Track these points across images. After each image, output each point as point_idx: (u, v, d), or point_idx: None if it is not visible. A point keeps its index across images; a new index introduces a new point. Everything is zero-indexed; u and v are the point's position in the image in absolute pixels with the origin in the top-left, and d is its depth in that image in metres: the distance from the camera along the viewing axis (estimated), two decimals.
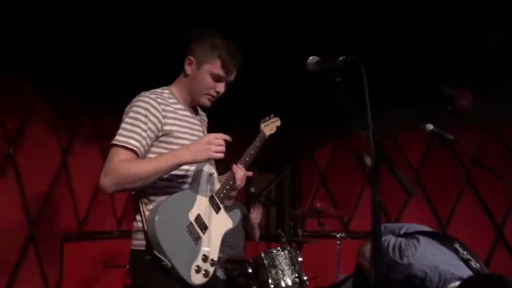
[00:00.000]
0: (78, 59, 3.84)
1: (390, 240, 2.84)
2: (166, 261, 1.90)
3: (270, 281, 3.86)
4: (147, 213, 1.97)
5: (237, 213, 2.31)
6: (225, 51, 2.06)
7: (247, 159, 2.31)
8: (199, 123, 2.21)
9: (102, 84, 4.15)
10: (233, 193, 2.30)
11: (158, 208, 1.93)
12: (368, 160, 1.58)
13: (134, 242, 2.03)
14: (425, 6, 3.55)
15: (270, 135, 2.53)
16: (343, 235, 4.40)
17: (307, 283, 4.08)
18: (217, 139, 1.94)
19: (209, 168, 2.17)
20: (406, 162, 5.07)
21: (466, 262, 2.69)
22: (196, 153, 1.91)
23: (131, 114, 1.96)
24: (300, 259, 4.10)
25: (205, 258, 2.04)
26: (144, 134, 1.94)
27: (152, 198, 2.00)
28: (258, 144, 2.40)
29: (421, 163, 5.06)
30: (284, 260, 3.98)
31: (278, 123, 2.61)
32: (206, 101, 2.14)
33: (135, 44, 3.86)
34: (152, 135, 1.97)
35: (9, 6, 3.09)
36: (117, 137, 1.93)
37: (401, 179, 1.55)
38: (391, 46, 4.10)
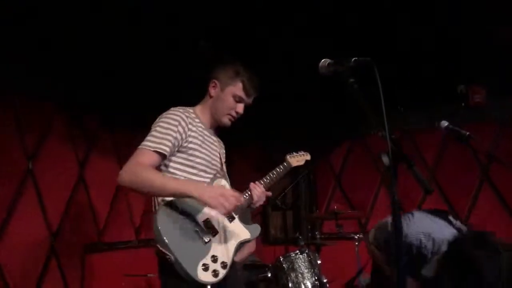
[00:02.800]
0: (95, 72, 3.91)
1: (389, 218, 2.92)
2: (170, 254, 2.00)
3: (290, 284, 3.87)
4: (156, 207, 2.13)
5: (257, 228, 2.38)
6: (247, 77, 2.28)
7: (267, 180, 2.44)
8: (216, 143, 2.37)
9: (119, 97, 4.22)
10: (250, 208, 2.39)
11: (159, 211, 2.08)
12: (385, 159, 1.59)
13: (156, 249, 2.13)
14: (435, 4, 3.55)
15: (297, 166, 2.67)
16: (361, 236, 4.38)
17: (327, 285, 4.07)
18: (232, 197, 2.05)
19: (220, 182, 2.31)
20: (422, 160, 5.04)
21: (458, 230, 2.77)
22: (208, 197, 2.01)
23: (162, 124, 2.12)
24: (319, 261, 4.10)
25: (214, 259, 2.12)
26: (173, 141, 2.11)
27: (166, 200, 2.11)
28: (281, 170, 2.53)
29: (437, 161, 5.03)
30: (303, 263, 3.98)
31: (308, 157, 2.75)
32: (227, 121, 2.31)
33: (153, 59, 3.92)
34: (177, 144, 2.13)
35: (25, 21, 3.16)
36: (147, 143, 2.08)
37: (420, 177, 1.55)
38: (404, 46, 4.10)
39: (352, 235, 4.39)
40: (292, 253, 4.10)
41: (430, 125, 3.39)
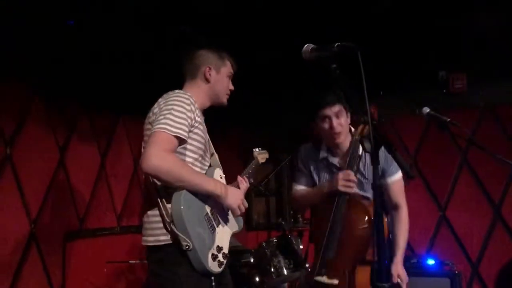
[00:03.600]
0: (73, 58, 3.84)
1: None
2: (188, 241, 1.99)
3: (272, 269, 3.90)
4: (168, 205, 2.08)
5: (241, 220, 2.45)
6: (229, 55, 2.43)
7: (248, 176, 2.53)
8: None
9: (98, 82, 4.15)
10: None
11: (183, 191, 2.06)
12: (367, 145, 1.59)
13: (151, 237, 2.13)
14: None
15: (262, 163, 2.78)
16: None
17: (309, 270, 4.12)
18: (245, 206, 2.29)
19: (219, 172, 2.37)
20: (403, 146, 5.09)
21: None
22: (231, 200, 2.20)
23: (176, 107, 2.10)
24: (301, 246, 4.14)
25: (219, 249, 2.16)
26: (188, 126, 2.12)
27: (170, 191, 2.11)
28: (254, 167, 2.66)
29: (418, 147, 5.08)
30: (285, 249, 4.01)
31: (267, 155, 2.84)
32: (226, 100, 2.44)
33: (133, 45, 3.88)
34: (188, 130, 2.15)
35: (3, 7, 3.08)
36: (167, 126, 2.03)
37: (402, 162, 1.57)
38: (385, 32, 4.11)
39: None
40: (274, 238, 4.13)
41: (411, 111, 3.43)
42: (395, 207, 2.72)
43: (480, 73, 4.72)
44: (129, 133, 4.74)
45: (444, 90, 4.90)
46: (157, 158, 1.97)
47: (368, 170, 2.59)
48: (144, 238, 2.19)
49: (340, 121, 2.55)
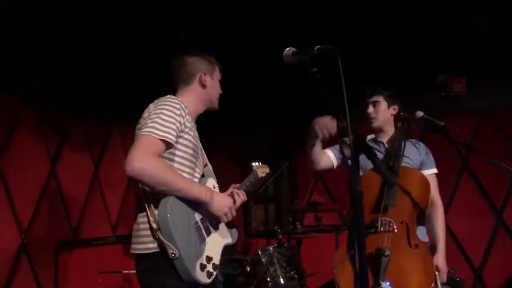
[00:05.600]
0: (65, 66, 3.82)
1: None
2: (174, 249, 1.94)
3: (268, 278, 3.83)
4: (155, 211, 2.01)
5: (235, 232, 2.42)
6: (215, 59, 2.43)
7: (244, 188, 2.50)
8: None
9: (89, 91, 4.13)
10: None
11: (170, 198, 2.01)
12: (347, 151, 1.53)
13: (139, 245, 2.07)
14: None
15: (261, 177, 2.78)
16: (342, 228, 4.35)
17: (307, 278, 4.04)
18: (234, 209, 2.25)
19: (212, 182, 2.33)
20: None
21: None
22: (217, 206, 2.15)
23: (166, 111, 2.06)
24: (299, 254, 4.07)
25: (208, 260, 2.11)
26: (177, 131, 2.07)
27: (159, 197, 2.05)
28: (252, 180, 2.65)
29: None
30: (281, 257, 3.94)
31: (268, 170, 2.83)
32: (217, 104, 2.44)
33: (122, 54, 3.86)
34: (177, 135, 2.09)
35: None
36: (153, 130, 1.98)
37: (381, 168, 1.50)
38: (382, 36, 4.06)
39: (332, 227, 4.37)
40: (270, 246, 4.05)
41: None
42: (430, 201, 2.82)
43: (479, 77, 4.64)
44: (123, 141, 4.70)
45: (443, 94, 4.83)
46: (140, 161, 1.92)
47: (410, 154, 2.83)
48: (132, 246, 2.13)
49: (376, 109, 2.86)
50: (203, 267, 2.06)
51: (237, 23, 3.69)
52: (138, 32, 3.70)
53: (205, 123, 2.42)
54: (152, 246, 2.01)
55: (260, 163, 2.83)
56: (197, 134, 2.27)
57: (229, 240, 2.34)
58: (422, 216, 2.70)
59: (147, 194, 2.06)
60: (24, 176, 3.73)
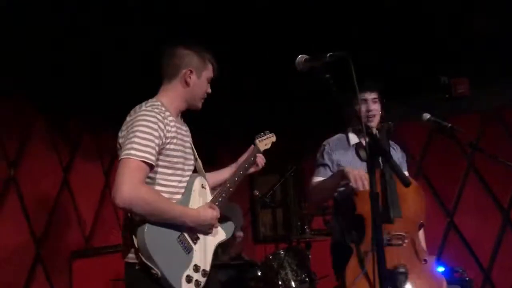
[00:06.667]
0: (76, 76, 3.87)
1: None
2: (156, 270, 1.91)
3: (280, 282, 3.86)
4: (137, 219, 1.97)
5: (231, 225, 2.33)
6: (211, 57, 2.26)
7: (241, 172, 2.41)
8: (187, 132, 2.28)
9: (102, 101, 4.17)
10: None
11: (145, 225, 1.94)
12: (362, 153, 1.58)
13: (129, 254, 2.05)
14: None
15: (265, 150, 2.64)
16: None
17: (318, 281, 4.07)
18: (216, 219, 2.16)
19: (200, 181, 2.23)
20: (408, 152, 5.04)
21: None
22: (203, 227, 2.10)
23: (142, 128, 1.98)
24: (308, 258, 4.10)
25: (196, 269, 2.06)
26: (157, 149, 2.00)
27: (135, 222, 1.99)
28: (252, 158, 2.52)
29: (423, 153, 5.04)
30: (292, 261, 3.97)
31: (274, 138, 2.73)
32: (200, 104, 2.28)
33: (134, 61, 3.88)
34: (158, 150, 2.02)
35: (7, 26, 3.11)
36: (132, 151, 1.92)
37: (397, 170, 1.55)
38: (386, 39, 4.10)
39: None
40: (281, 250, 4.09)
41: (415, 118, 3.40)
42: None
43: (483, 77, 4.68)
44: None
45: (447, 95, 4.87)
46: (130, 192, 1.87)
47: (395, 156, 2.71)
48: (122, 254, 2.12)
49: (375, 106, 2.69)
50: (189, 279, 2.01)
51: (246, 24, 3.71)
52: (154, 40, 3.72)
53: (208, 126, 2.36)
54: (140, 263, 1.97)
55: (263, 133, 2.69)
56: (183, 133, 2.19)
57: (223, 237, 2.25)
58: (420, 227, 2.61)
59: (126, 218, 2.04)
60: (37, 186, 3.79)
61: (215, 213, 2.13)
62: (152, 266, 1.91)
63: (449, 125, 2.70)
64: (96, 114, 4.28)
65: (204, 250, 2.13)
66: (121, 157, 1.94)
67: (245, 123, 4.71)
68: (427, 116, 2.82)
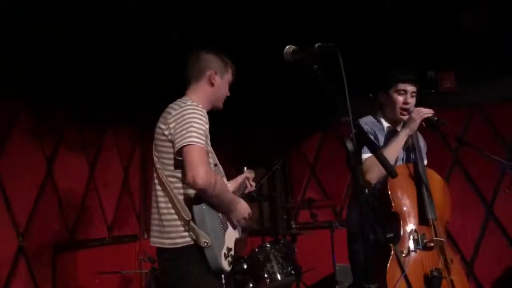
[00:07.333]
0: (58, 69, 3.81)
1: None
2: (208, 238, 2.10)
3: (266, 275, 3.86)
4: (186, 205, 2.18)
5: (240, 228, 2.53)
6: (231, 62, 2.47)
7: (241, 193, 2.69)
8: None
9: (84, 93, 4.12)
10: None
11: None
12: (349, 145, 1.57)
13: (178, 240, 2.16)
14: None
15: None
16: (336, 224, 4.40)
17: (303, 274, 4.08)
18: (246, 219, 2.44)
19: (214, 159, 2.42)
20: None
21: None
22: (240, 215, 2.36)
23: (197, 120, 2.17)
24: (294, 251, 4.10)
25: (228, 250, 2.26)
26: (206, 140, 2.22)
27: (190, 191, 2.21)
28: (244, 186, 2.79)
29: None
30: (278, 254, 3.98)
31: (253, 175, 2.89)
32: (222, 105, 2.51)
33: (116, 56, 3.85)
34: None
35: None
36: (195, 139, 2.12)
37: (384, 161, 1.55)
38: (372, 33, 4.10)
39: (327, 223, 4.41)
40: (267, 243, 4.09)
41: None
42: None
43: (469, 72, 4.71)
44: (118, 142, 4.70)
45: (433, 90, 4.87)
46: (207, 173, 2.09)
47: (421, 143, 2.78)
48: (156, 240, 2.24)
49: (412, 100, 2.69)
50: (226, 256, 2.20)
51: (236, 22, 3.70)
52: (134, 34, 3.70)
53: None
54: (181, 241, 2.15)
55: (249, 167, 2.92)
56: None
57: (238, 235, 2.45)
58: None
59: (177, 189, 2.19)
60: (21, 178, 3.72)
61: (249, 209, 2.41)
62: (204, 233, 2.10)
63: (436, 118, 2.71)
64: (81, 106, 4.22)
65: (231, 238, 2.34)
66: (186, 144, 2.11)
67: (232, 117, 4.69)
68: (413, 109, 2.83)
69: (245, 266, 4.05)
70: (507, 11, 3.81)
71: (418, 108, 2.58)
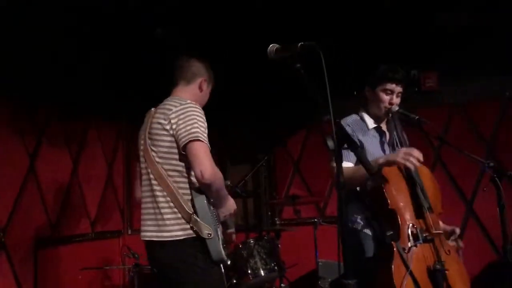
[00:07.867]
0: (41, 65, 3.77)
1: None
2: (210, 229, 2.18)
3: (249, 271, 3.88)
4: (188, 198, 2.26)
5: (232, 223, 2.75)
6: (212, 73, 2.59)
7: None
8: None
9: (67, 88, 4.08)
10: None
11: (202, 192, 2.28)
12: (330, 143, 1.60)
13: (178, 232, 2.23)
14: None
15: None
16: (320, 220, 4.44)
17: (286, 270, 4.12)
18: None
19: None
20: None
21: None
22: (229, 210, 2.46)
23: (200, 118, 2.28)
24: (278, 247, 4.13)
25: (223, 242, 2.34)
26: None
27: (191, 186, 2.30)
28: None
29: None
30: (262, 249, 4.00)
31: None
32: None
33: (103, 48, 3.84)
34: None
35: None
36: (201, 136, 2.21)
37: (363, 159, 1.57)
38: (356, 31, 4.13)
39: (310, 219, 4.46)
40: (251, 239, 4.11)
41: None
42: None
43: (451, 72, 4.78)
44: (101, 137, 4.67)
45: (416, 89, 4.95)
46: (214, 169, 2.20)
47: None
48: (151, 234, 2.28)
49: (397, 100, 2.70)
50: (224, 248, 2.31)
51: (221, 18, 3.71)
52: (119, 31, 3.68)
53: None
54: (182, 233, 2.22)
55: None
56: None
57: (230, 228, 2.66)
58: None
59: (179, 183, 2.26)
60: (3, 173, 3.68)
61: (235, 205, 2.52)
62: (206, 224, 2.18)
63: (416, 117, 2.74)
64: (64, 101, 4.19)
65: (221, 232, 2.39)
66: (193, 138, 2.19)
67: (216, 113, 4.69)
68: (395, 108, 2.87)
69: (228, 262, 4.07)
70: (489, 12, 3.88)
71: (409, 150, 2.40)
